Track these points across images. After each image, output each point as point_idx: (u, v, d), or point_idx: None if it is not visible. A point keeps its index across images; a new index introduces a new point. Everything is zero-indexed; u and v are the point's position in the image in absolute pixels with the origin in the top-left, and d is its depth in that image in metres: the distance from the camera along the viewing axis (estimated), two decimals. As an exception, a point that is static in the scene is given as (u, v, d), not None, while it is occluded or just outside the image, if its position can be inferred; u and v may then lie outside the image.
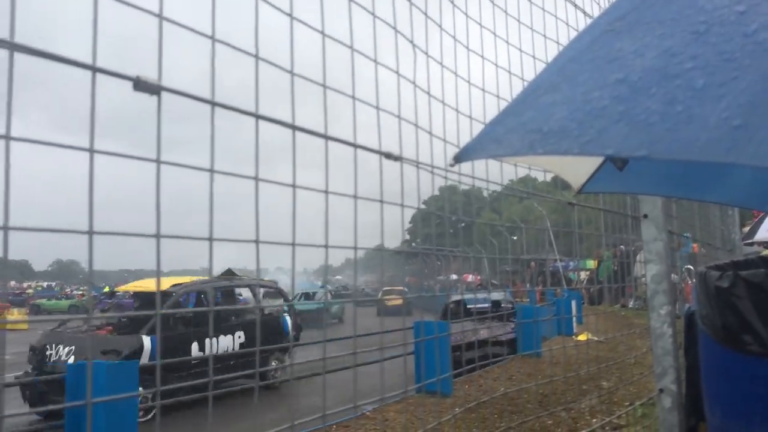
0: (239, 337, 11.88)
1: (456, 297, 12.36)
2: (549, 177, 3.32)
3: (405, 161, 1.84)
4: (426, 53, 2.16)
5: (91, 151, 0.98)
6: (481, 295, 12.43)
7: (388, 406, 7.07)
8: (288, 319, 13.62)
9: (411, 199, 2.02)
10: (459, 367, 6.79)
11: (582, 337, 11.13)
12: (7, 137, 0.88)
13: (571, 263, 22.59)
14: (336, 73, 1.71)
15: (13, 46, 0.91)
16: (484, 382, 8.13)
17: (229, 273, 15.53)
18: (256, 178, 1.32)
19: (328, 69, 1.65)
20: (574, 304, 14.52)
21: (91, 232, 0.97)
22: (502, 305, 14.43)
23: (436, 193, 2.44)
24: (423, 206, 2.53)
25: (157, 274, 1.11)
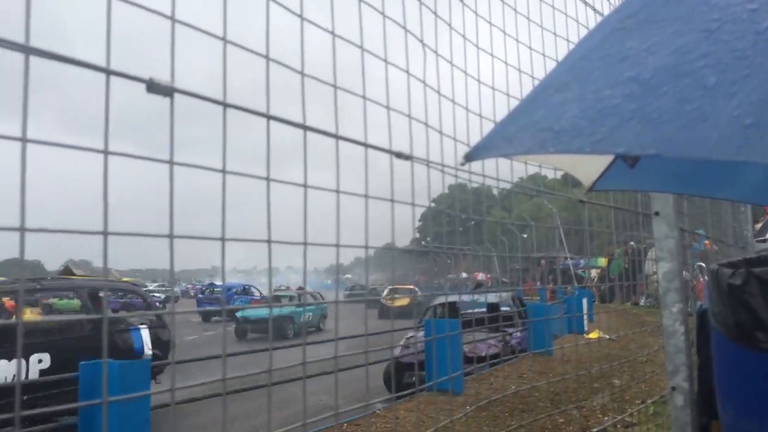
0: (40, 361, 8.20)
1: (442, 299, 10.80)
2: (559, 174, 3.31)
3: (415, 160, 1.84)
4: (436, 52, 2.16)
5: (106, 152, 0.99)
6: (466, 297, 10.55)
7: (398, 405, 7.07)
8: (144, 332, 10.22)
9: (421, 197, 2.03)
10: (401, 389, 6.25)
11: (593, 335, 11.10)
12: (24, 139, 0.89)
13: (582, 261, 22.55)
14: (346, 73, 1.72)
15: (27, 50, 0.92)
16: (495, 380, 8.12)
17: (66, 271, 13.28)
18: (268, 179, 1.33)
19: (338, 69, 1.65)
20: (585, 301, 14.45)
21: (105, 233, 0.98)
22: (503, 308, 11.97)
23: (446, 191, 2.44)
24: (433, 204, 2.53)
25: (171, 274, 1.12)
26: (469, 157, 1.27)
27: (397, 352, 10.13)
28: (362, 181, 1.73)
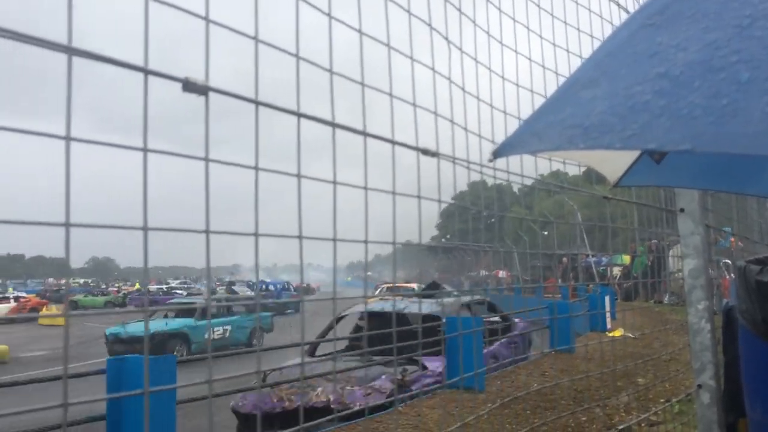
0: None
1: (363, 306, 7.48)
2: (581, 171, 3.29)
3: (442, 157, 1.85)
4: (461, 49, 2.17)
5: (145, 150, 1.02)
6: (393, 302, 7.41)
7: (421, 402, 7.09)
8: None
9: (442, 194, 2.03)
10: None
11: (617, 333, 11.01)
12: (68, 138, 0.92)
13: (604, 259, 22.37)
14: (373, 70, 1.73)
15: (70, 51, 0.95)
16: (517, 378, 8.10)
17: None
18: (299, 175, 1.35)
19: (365, 67, 1.67)
20: (607, 299, 14.34)
21: (146, 228, 1.01)
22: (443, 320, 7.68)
23: (466, 188, 2.46)
24: (453, 201, 2.54)
25: (207, 270, 1.14)
26: (498, 154, 1.28)
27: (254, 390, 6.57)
28: (385, 177, 1.74)
